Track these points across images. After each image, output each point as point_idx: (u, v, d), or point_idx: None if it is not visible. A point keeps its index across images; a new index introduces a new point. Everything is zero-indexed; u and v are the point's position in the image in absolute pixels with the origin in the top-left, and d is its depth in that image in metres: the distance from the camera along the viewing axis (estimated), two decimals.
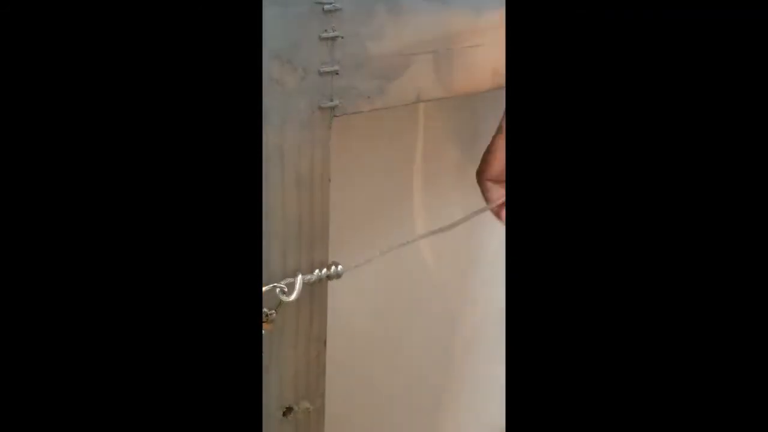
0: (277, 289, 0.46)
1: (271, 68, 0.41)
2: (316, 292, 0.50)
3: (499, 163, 0.58)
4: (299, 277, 0.47)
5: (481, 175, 0.59)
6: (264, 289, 0.46)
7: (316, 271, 0.48)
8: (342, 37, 0.43)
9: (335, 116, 0.45)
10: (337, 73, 0.44)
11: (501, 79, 0.54)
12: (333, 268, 0.49)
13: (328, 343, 0.53)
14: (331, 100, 0.45)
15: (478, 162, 0.60)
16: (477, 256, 0.80)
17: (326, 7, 0.42)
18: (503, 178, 0.58)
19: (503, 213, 0.60)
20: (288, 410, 0.53)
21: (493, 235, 0.77)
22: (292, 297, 0.46)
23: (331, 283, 0.50)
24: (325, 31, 0.43)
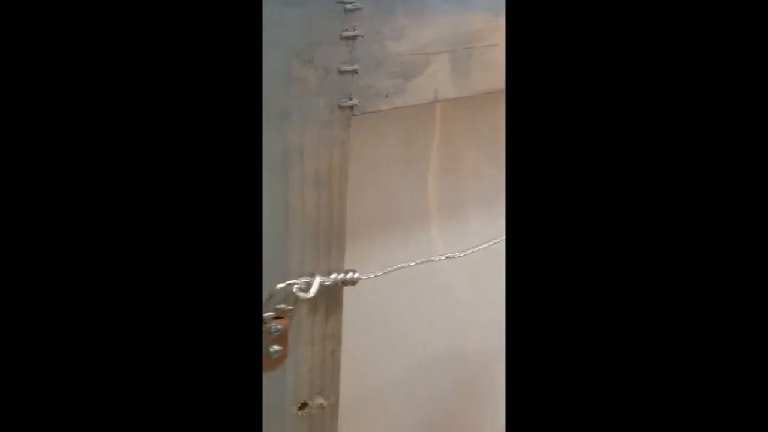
0: (295, 287, 0.46)
1: (291, 67, 0.41)
2: (332, 290, 0.50)
3: None
4: (317, 278, 0.47)
5: None
6: (281, 285, 0.46)
7: (333, 275, 0.48)
8: (362, 36, 0.44)
9: (354, 115, 0.46)
10: (356, 72, 0.44)
11: None
12: (350, 274, 0.49)
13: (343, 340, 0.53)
14: (350, 99, 0.45)
15: (496, 161, 0.60)
16: (493, 255, 0.80)
17: (348, 6, 0.42)
18: None
19: None
20: (303, 405, 0.53)
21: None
22: (310, 294, 0.47)
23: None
24: (346, 30, 0.43)
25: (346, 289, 0.51)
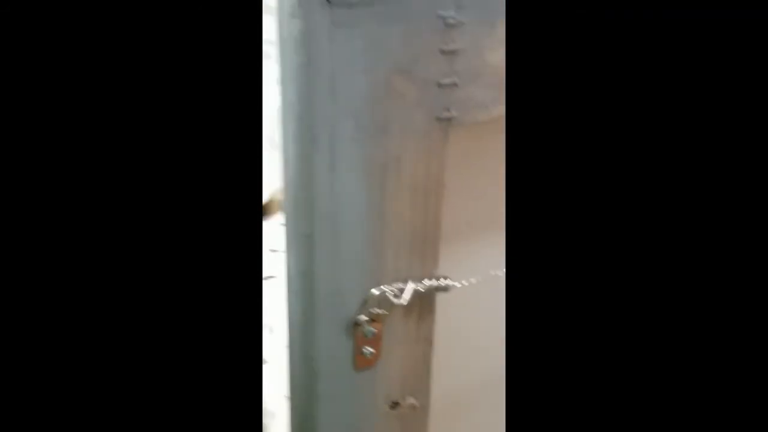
0: (388, 293, 0.48)
1: (393, 81, 0.42)
2: (425, 295, 0.51)
3: None
4: (410, 284, 0.48)
5: None
6: (375, 292, 0.48)
7: (425, 280, 0.49)
8: (463, 50, 0.44)
9: (452, 126, 0.46)
10: (456, 85, 0.45)
11: None
12: (442, 281, 0.50)
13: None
14: (449, 111, 0.45)
15: None
16: None
17: (449, 21, 0.43)
18: None
19: None
20: (395, 405, 0.55)
21: None
22: (402, 301, 0.48)
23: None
24: (446, 44, 0.43)
25: (441, 294, 0.52)
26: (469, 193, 0.55)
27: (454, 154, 0.48)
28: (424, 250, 0.49)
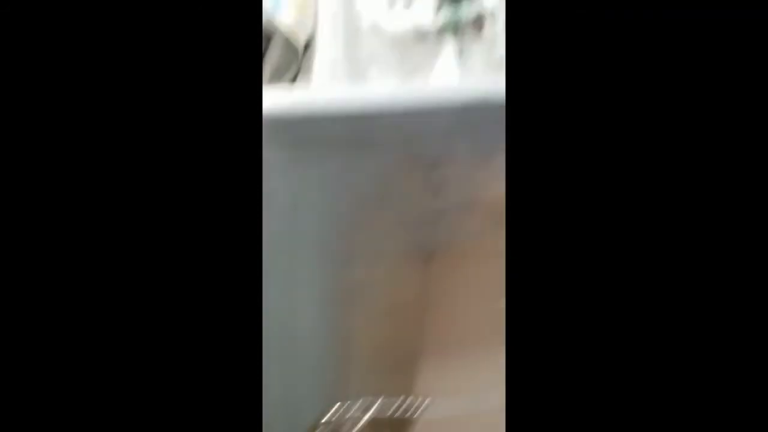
0: (352, 407, 0.48)
1: (362, 213, 0.42)
2: (398, 411, 0.50)
3: None
4: (379, 400, 0.48)
5: None
6: (336, 404, 0.47)
7: (398, 398, 0.48)
8: (449, 185, 0.42)
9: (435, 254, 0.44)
10: (440, 218, 0.43)
11: None
12: (421, 399, 0.49)
13: None
14: (432, 239, 0.44)
15: None
16: None
17: (435, 157, 0.41)
18: None
19: None
20: None
21: None
22: (365, 417, 0.47)
23: None
24: (430, 179, 0.41)
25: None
26: (459, 310, 0.53)
27: (439, 275, 0.46)
28: (397, 368, 0.48)
